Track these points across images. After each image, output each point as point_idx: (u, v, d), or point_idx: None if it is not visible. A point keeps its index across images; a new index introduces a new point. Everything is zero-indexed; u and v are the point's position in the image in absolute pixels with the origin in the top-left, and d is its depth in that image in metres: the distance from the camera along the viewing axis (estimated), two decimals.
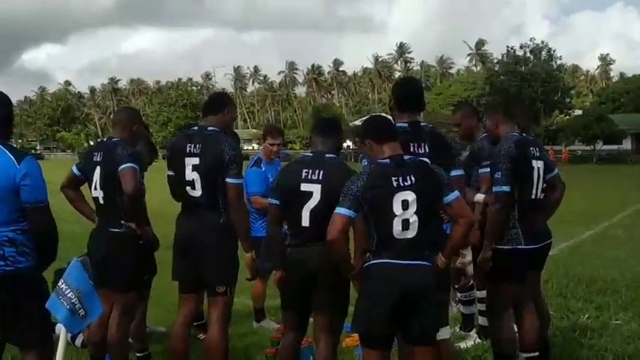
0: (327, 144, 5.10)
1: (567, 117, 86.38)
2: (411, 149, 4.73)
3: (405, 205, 4.30)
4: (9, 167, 4.19)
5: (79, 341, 6.72)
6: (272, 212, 5.17)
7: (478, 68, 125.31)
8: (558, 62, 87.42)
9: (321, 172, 4.92)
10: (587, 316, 7.72)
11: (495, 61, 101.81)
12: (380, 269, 4.34)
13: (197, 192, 5.31)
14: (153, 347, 6.43)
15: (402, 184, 4.32)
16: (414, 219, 4.30)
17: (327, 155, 5.01)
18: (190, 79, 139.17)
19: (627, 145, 76.32)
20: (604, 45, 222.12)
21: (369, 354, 4.43)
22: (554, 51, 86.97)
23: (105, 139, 5.88)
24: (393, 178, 4.33)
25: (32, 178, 4.22)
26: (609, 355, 6.31)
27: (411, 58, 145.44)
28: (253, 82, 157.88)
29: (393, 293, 4.25)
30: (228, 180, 5.21)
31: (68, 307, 3.97)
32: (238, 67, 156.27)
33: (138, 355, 6.12)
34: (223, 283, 5.32)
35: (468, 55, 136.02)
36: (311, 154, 5.08)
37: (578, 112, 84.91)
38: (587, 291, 9.00)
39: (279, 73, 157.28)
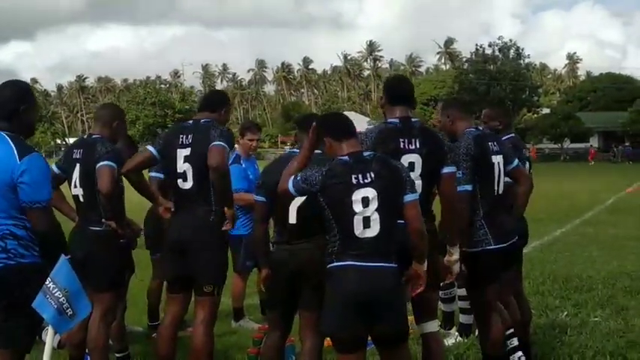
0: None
1: (535, 115, 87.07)
2: (401, 145, 4.67)
3: (366, 202, 4.20)
4: (9, 161, 4.08)
5: (55, 341, 6.61)
6: (258, 210, 5.12)
7: (447, 67, 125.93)
8: (526, 61, 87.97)
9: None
10: (565, 313, 7.77)
11: (464, 59, 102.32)
12: (342, 272, 4.23)
13: (188, 184, 5.22)
14: (131, 347, 6.35)
15: (361, 181, 4.22)
16: (375, 217, 4.20)
17: (315, 151, 4.94)
18: (159, 77, 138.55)
19: (594, 142, 77.20)
20: (571, 44, 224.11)
21: (342, 358, 4.36)
22: (522, 49, 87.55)
23: (85, 136, 5.80)
24: (353, 176, 4.23)
25: (31, 177, 4.08)
26: (589, 351, 6.34)
27: (381, 57, 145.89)
28: (222, 81, 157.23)
29: (355, 297, 4.16)
30: (213, 143, 5.08)
31: (56, 306, 3.88)
32: (207, 64, 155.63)
33: (117, 355, 6.06)
34: (211, 283, 5.24)
35: (437, 53, 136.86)
36: (297, 151, 5.01)
37: (546, 110, 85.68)
38: (563, 288, 9.07)
39: (249, 71, 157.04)
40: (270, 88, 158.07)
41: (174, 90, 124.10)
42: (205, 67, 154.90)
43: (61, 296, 3.89)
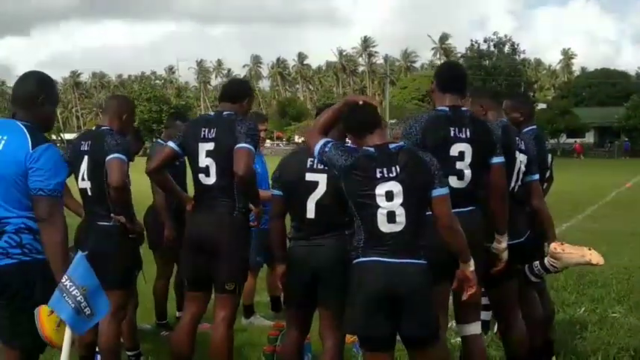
0: (333, 132, 4.83)
1: None
2: (452, 133, 4.51)
3: (390, 196, 3.99)
4: (21, 149, 3.90)
5: None
6: (275, 204, 4.92)
7: (442, 62, 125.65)
8: (522, 56, 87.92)
9: None
10: (583, 309, 7.61)
11: (459, 55, 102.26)
12: (367, 268, 4.04)
13: (211, 179, 5.00)
14: (141, 345, 6.15)
15: (385, 175, 4.01)
16: (400, 211, 3.99)
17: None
18: (154, 73, 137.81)
19: (590, 138, 77.29)
20: (566, 39, 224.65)
21: (369, 357, 4.18)
22: (517, 45, 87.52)
23: (93, 128, 5.61)
24: (377, 169, 4.02)
25: (41, 164, 3.88)
26: (613, 348, 6.19)
27: (376, 52, 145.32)
28: (217, 76, 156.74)
29: (380, 294, 3.97)
30: (236, 146, 4.86)
31: (73, 305, 3.66)
32: (201, 60, 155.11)
33: (129, 354, 5.87)
34: (233, 280, 5.03)
35: (432, 49, 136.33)
36: None
37: (542, 106, 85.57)
38: (578, 283, 8.90)
39: (244, 66, 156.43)
40: (265, 84, 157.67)
41: (169, 86, 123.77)
42: (200, 63, 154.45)
43: (78, 295, 3.67)
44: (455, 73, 4.89)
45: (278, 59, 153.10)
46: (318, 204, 4.68)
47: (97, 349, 5.37)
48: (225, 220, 4.98)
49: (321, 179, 4.67)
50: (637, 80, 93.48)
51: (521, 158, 5.09)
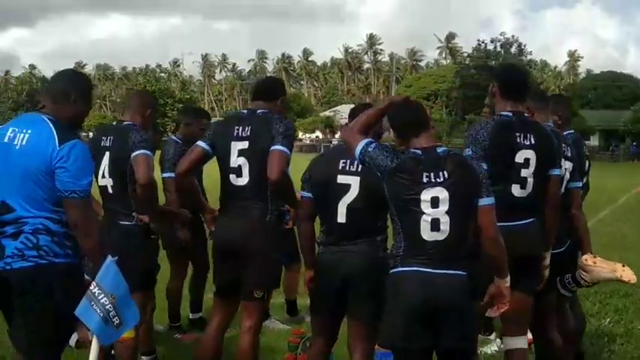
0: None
1: None
2: (517, 140, 4.34)
3: (435, 203, 3.78)
4: (48, 146, 3.71)
5: (72, 340, 6.22)
6: (304, 206, 4.71)
7: (448, 61, 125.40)
8: (528, 57, 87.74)
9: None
10: (608, 320, 7.38)
11: (466, 54, 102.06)
12: (407, 278, 3.83)
13: (243, 180, 4.74)
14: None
15: (432, 180, 3.80)
16: (445, 219, 3.78)
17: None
18: (159, 66, 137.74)
19: (595, 141, 77.00)
20: (572, 41, 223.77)
21: None
22: (524, 46, 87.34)
23: (115, 123, 5.41)
24: (424, 173, 3.81)
25: (70, 164, 3.71)
26: None
27: (381, 50, 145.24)
28: (221, 71, 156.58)
29: (420, 306, 3.77)
30: (271, 148, 4.61)
31: (102, 314, 3.46)
32: (206, 54, 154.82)
33: (144, 358, 5.66)
34: (263, 288, 4.80)
35: (438, 48, 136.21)
36: None
37: None
38: (600, 292, 8.66)
39: (249, 61, 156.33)
40: None
41: (173, 79, 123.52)
42: (205, 57, 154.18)
43: (107, 303, 3.47)
44: (519, 79, 4.69)
45: (283, 55, 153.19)
46: (349, 208, 4.47)
47: (112, 352, 5.16)
48: (258, 224, 4.73)
49: (354, 182, 4.46)
50: None
51: (566, 165, 4.91)
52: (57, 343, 3.91)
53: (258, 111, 4.83)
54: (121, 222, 5.05)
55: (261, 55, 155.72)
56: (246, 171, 4.73)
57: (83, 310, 3.50)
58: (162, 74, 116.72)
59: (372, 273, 4.44)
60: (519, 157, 4.38)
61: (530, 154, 4.39)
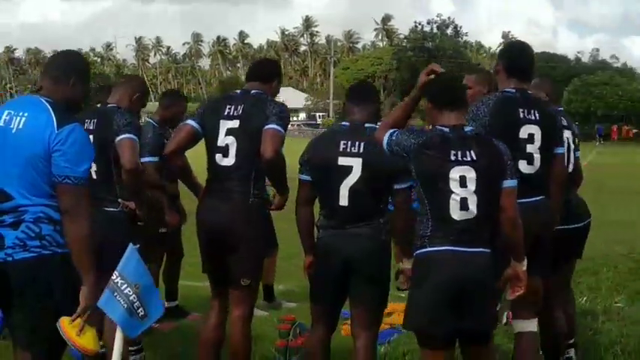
0: (365, 112, 4.48)
1: None
2: (521, 115, 4.25)
3: (463, 182, 3.73)
4: (45, 129, 3.48)
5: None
6: (303, 190, 4.53)
7: (384, 43, 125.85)
8: (464, 39, 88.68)
9: (362, 144, 4.31)
10: (584, 298, 7.41)
11: (402, 36, 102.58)
12: (436, 258, 3.77)
13: (229, 160, 4.55)
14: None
15: (460, 159, 3.75)
16: (472, 199, 3.74)
17: (366, 125, 4.41)
18: (93, 50, 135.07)
19: None
20: (505, 23, 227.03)
21: (429, 355, 3.88)
22: (460, 27, 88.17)
23: (99, 105, 5.18)
24: (452, 151, 3.76)
25: (67, 148, 3.48)
26: (631, 340, 5.97)
27: (318, 32, 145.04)
28: (156, 54, 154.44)
29: (452, 286, 3.71)
30: (265, 127, 4.44)
31: (125, 305, 3.26)
32: (140, 37, 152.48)
33: (130, 349, 5.43)
34: (249, 276, 4.62)
35: (375, 30, 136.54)
36: (348, 124, 4.47)
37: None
38: None
39: (184, 44, 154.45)
40: (205, 63, 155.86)
41: (106, 63, 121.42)
42: (139, 40, 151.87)
43: (131, 293, 3.27)
44: (524, 59, 4.56)
45: (218, 38, 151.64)
46: (351, 190, 4.32)
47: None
48: (240, 207, 4.56)
49: (356, 163, 4.31)
50: (577, 64, 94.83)
51: (567, 135, 4.88)
52: (55, 335, 3.68)
53: (252, 91, 4.66)
54: (106, 208, 4.81)
55: (197, 38, 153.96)
56: (233, 151, 4.56)
57: (106, 302, 3.30)
58: (96, 58, 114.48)
59: (376, 256, 4.33)
60: (523, 133, 4.28)
61: (534, 129, 4.30)
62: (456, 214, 3.74)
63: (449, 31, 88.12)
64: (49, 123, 3.49)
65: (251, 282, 4.65)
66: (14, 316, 3.59)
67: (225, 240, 4.56)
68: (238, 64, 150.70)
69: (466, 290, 3.71)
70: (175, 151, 4.71)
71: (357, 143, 4.30)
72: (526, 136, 4.28)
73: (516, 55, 4.58)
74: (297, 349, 5.31)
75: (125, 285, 3.30)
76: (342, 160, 4.33)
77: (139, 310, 3.33)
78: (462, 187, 3.73)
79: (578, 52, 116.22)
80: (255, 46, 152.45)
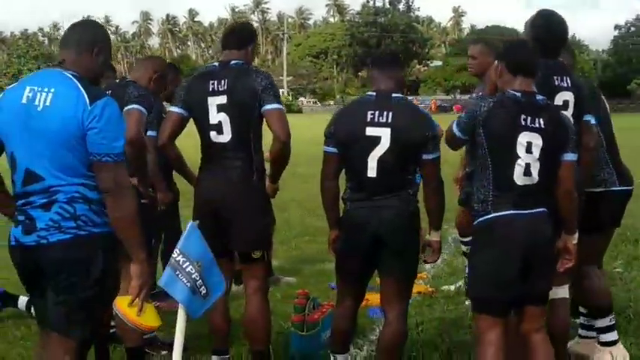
0: (391, 81, 4.33)
1: (425, 68, 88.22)
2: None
3: (529, 148, 3.75)
4: (77, 106, 3.26)
5: None
6: (329, 162, 4.38)
7: (336, 19, 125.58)
8: (416, 14, 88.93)
9: (390, 113, 4.17)
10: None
11: (354, 12, 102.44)
12: (502, 223, 3.78)
13: (225, 136, 4.42)
14: None
15: (529, 125, 3.76)
16: (536, 165, 3.76)
17: (393, 95, 4.30)
18: (41, 30, 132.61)
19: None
20: None
21: (490, 322, 3.85)
22: (412, 2, 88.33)
23: (117, 81, 5.00)
24: (522, 115, 3.76)
25: (103, 124, 3.29)
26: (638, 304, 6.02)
27: (268, 9, 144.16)
28: None
29: (521, 249, 3.74)
30: (266, 107, 4.36)
31: (189, 284, 3.11)
32: (88, 16, 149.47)
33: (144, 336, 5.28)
34: (260, 248, 4.53)
35: (326, 6, 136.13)
36: (374, 94, 4.33)
37: (437, 63, 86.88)
38: None
39: (133, 23, 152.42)
40: (154, 41, 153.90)
41: (55, 43, 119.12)
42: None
43: (193, 271, 3.13)
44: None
45: (168, 16, 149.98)
46: (380, 161, 4.19)
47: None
48: (244, 182, 4.46)
49: (384, 134, 4.18)
50: None
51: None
52: (98, 318, 3.54)
53: (232, 62, 4.54)
54: None
55: (146, 17, 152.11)
56: (227, 127, 4.44)
57: (168, 281, 3.15)
58: (44, 39, 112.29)
59: (406, 227, 4.23)
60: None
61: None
62: (519, 179, 3.76)
63: (401, 6, 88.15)
64: (80, 99, 3.29)
65: (262, 254, 4.58)
66: (47, 299, 3.43)
67: (232, 216, 4.45)
68: (188, 43, 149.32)
69: (535, 251, 3.76)
70: (168, 142, 4.58)
71: (384, 113, 4.18)
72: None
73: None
74: (314, 324, 5.21)
75: (187, 263, 3.15)
76: (370, 131, 4.21)
77: (202, 289, 3.19)
78: (528, 153, 3.75)
79: None
80: (206, 24, 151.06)
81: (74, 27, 3.62)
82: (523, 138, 3.76)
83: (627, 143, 7.83)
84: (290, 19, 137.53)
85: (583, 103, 4.34)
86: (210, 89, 4.44)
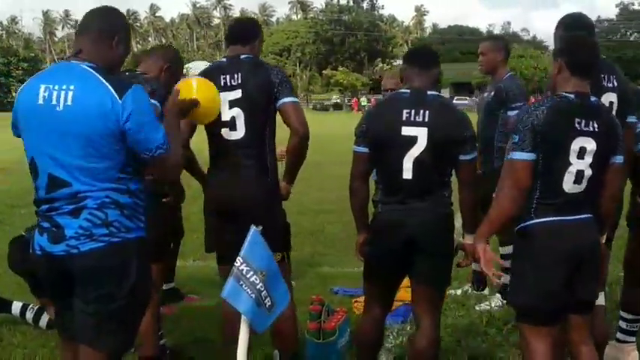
0: (426, 78, 4.13)
1: (390, 67, 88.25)
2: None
3: (582, 153, 3.55)
4: (104, 102, 3.00)
5: (43, 322, 5.57)
6: (359, 162, 4.16)
7: (299, 16, 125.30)
8: (380, 12, 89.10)
9: (427, 112, 3.96)
10: None
11: (317, 10, 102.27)
12: (547, 229, 3.58)
13: (239, 133, 4.26)
14: None
15: (583, 128, 3.56)
16: (588, 172, 3.57)
17: (429, 92, 4.09)
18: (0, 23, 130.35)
19: (446, 93, 79.43)
20: None
21: (536, 331, 3.69)
22: (376, 1, 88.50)
23: (127, 72, 4.72)
24: (577, 119, 3.56)
25: (143, 117, 3.07)
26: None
27: (231, 5, 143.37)
28: (64, 27, 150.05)
29: (565, 256, 3.57)
30: (283, 100, 4.24)
31: (253, 295, 2.86)
32: (47, 10, 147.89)
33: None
34: (280, 250, 4.31)
35: (289, 2, 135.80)
36: (408, 91, 4.12)
37: (400, 61, 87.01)
38: None
39: None
40: None
41: (13, 37, 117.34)
42: (46, 14, 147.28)
43: (258, 282, 2.89)
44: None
45: (128, 11, 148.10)
46: (416, 162, 3.98)
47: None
48: (259, 181, 4.31)
49: (421, 133, 3.97)
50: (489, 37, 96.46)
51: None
52: (130, 328, 3.30)
53: (242, 56, 4.37)
54: None
55: None
56: (241, 123, 4.27)
57: (231, 292, 2.90)
58: (1, 32, 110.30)
59: (441, 231, 4.05)
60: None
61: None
62: (567, 186, 3.57)
63: (364, 4, 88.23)
64: (107, 94, 3.02)
65: (283, 255, 4.39)
66: (75, 309, 3.18)
67: (248, 217, 4.15)
68: (150, 38, 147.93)
69: (581, 258, 3.60)
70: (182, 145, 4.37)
71: (421, 112, 3.98)
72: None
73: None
74: (331, 332, 4.99)
75: (251, 272, 2.91)
76: (406, 130, 3.99)
77: (266, 300, 2.96)
78: (579, 159, 3.57)
79: (490, 25, 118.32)
80: (167, 20, 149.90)
81: (92, 14, 3.33)
82: (576, 144, 3.57)
83: None
84: (253, 16, 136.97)
85: (627, 104, 4.23)
86: (222, 84, 4.26)
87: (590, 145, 3.56)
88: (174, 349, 5.08)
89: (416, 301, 4.18)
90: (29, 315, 5.62)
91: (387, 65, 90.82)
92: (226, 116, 4.25)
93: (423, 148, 3.97)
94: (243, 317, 3.11)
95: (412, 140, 3.98)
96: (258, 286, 2.92)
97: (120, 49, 3.27)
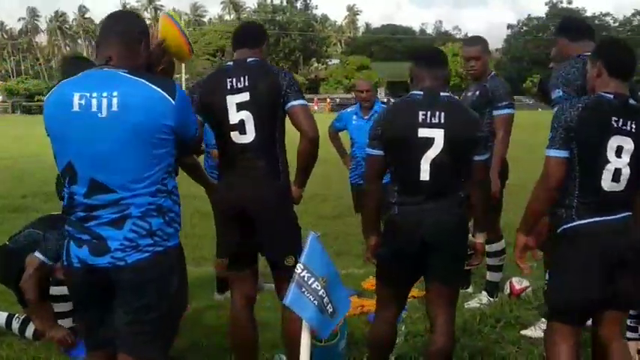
0: (437, 78, 4.14)
1: (324, 66, 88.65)
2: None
3: (619, 152, 3.59)
4: (159, 105, 3.04)
5: (29, 332, 5.43)
6: (373, 165, 4.15)
7: (232, 17, 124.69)
8: (314, 12, 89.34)
9: (442, 113, 3.97)
10: None
11: (251, 10, 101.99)
12: (588, 230, 3.63)
13: (248, 136, 4.22)
14: None
15: (621, 127, 3.59)
16: (625, 171, 3.61)
17: (442, 94, 4.08)
18: None
19: (381, 92, 79.99)
20: None
21: (566, 332, 3.73)
22: (309, 0, 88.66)
23: None
24: (613, 118, 3.59)
25: (188, 111, 3.23)
26: None
27: (162, 5, 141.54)
28: None
29: (606, 256, 3.61)
30: (292, 102, 4.21)
31: (316, 302, 2.79)
32: None
33: None
34: (292, 254, 4.25)
35: (222, 3, 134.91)
36: (421, 92, 4.11)
37: (335, 61, 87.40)
38: None
39: (19, 20, 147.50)
40: (42, 39, 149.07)
41: None
42: None
43: (319, 288, 2.84)
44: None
45: (57, 12, 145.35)
46: (433, 163, 3.98)
47: None
48: (271, 185, 4.27)
49: (438, 135, 3.97)
50: (422, 36, 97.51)
51: None
52: (168, 335, 3.25)
53: (249, 60, 4.34)
54: None
55: (33, 13, 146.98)
56: (250, 126, 4.23)
57: (294, 299, 2.83)
58: None
59: (456, 231, 4.07)
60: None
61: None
62: (606, 184, 3.62)
63: (298, 4, 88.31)
64: (159, 97, 3.03)
65: (294, 260, 4.30)
66: (116, 320, 3.11)
67: (259, 221, 4.25)
68: (79, 40, 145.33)
69: (622, 257, 3.63)
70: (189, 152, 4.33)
71: (436, 113, 3.98)
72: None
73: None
74: (332, 334, 4.95)
75: (312, 279, 2.85)
76: (423, 132, 3.99)
77: (328, 307, 2.90)
78: (617, 157, 3.60)
79: (423, 24, 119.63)
80: (97, 21, 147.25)
81: (116, 20, 3.31)
82: (614, 142, 3.60)
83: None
84: (184, 16, 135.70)
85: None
86: (229, 87, 4.22)
87: (628, 144, 3.60)
88: (170, 355, 4.97)
89: (431, 300, 4.19)
90: (15, 325, 5.48)
91: (322, 65, 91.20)
92: (234, 119, 4.22)
93: (440, 150, 3.99)
94: (304, 323, 3.05)
95: (429, 142, 3.99)
96: (319, 293, 2.87)
97: (146, 53, 3.28)
